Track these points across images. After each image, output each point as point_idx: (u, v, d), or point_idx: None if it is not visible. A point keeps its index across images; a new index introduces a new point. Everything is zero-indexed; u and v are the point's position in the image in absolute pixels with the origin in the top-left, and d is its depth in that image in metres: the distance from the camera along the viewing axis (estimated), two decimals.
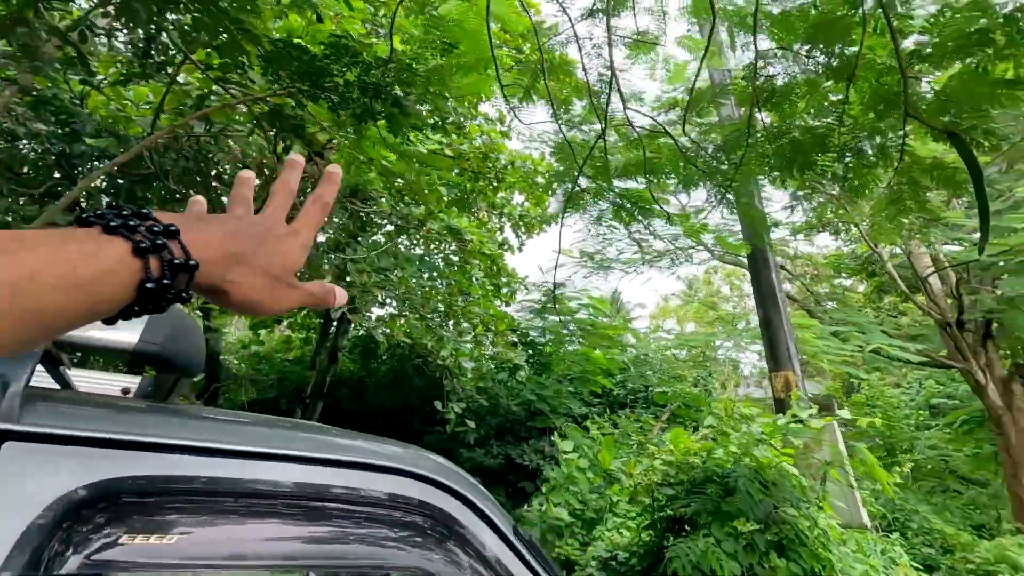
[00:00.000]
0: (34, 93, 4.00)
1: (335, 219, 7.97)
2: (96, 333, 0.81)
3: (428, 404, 7.61)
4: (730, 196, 3.38)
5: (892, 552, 4.70)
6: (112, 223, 0.43)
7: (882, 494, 5.75)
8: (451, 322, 8.18)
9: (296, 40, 3.30)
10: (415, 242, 8.64)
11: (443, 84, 3.67)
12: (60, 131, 4.06)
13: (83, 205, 6.06)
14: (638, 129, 3.48)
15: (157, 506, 0.71)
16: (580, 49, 3.22)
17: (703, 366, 11.47)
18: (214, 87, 3.78)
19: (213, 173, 6.31)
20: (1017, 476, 7.27)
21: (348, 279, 6.56)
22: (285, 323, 10.04)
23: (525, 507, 6.24)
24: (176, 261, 0.44)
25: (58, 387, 0.99)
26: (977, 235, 6.58)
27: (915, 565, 4.88)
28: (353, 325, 9.07)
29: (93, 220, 0.43)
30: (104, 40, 4.63)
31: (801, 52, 2.89)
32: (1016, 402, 7.52)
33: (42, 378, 0.95)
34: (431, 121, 5.13)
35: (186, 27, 2.95)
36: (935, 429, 10.19)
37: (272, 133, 5.15)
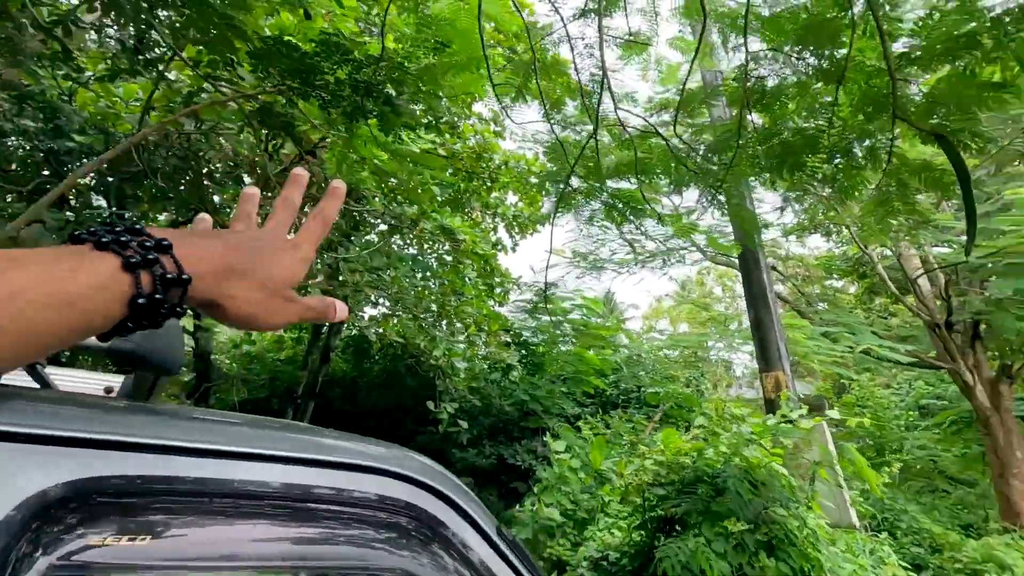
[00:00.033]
0: (22, 89, 3.96)
1: None
2: None
3: (421, 404, 7.59)
4: (721, 197, 3.39)
5: (881, 552, 4.73)
6: (103, 239, 0.42)
7: (872, 494, 5.79)
8: (444, 322, 8.17)
9: (287, 38, 3.28)
10: (408, 242, 8.62)
11: (435, 83, 3.66)
12: (46, 127, 4.02)
13: (72, 202, 6.00)
14: (630, 129, 3.48)
15: (133, 507, 0.70)
16: (572, 49, 3.22)
17: (695, 367, 11.52)
18: (204, 84, 3.75)
19: (204, 171, 6.27)
20: (1004, 476, 7.35)
21: (340, 278, 6.54)
22: None
23: (517, 507, 6.24)
24: (168, 275, 0.44)
25: (36, 386, 0.97)
26: (966, 237, 6.63)
27: (904, 564, 4.92)
28: (345, 325, 9.04)
29: (85, 237, 0.43)
30: (94, 36, 4.59)
31: (791, 54, 2.90)
32: (1003, 403, 7.60)
33: (20, 378, 0.93)
34: (424, 121, 5.12)
35: (176, 24, 2.93)
36: (924, 429, 10.28)
37: (264, 131, 5.13)
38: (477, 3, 3.18)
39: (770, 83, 3.10)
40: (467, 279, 8.36)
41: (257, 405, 9.74)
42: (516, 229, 9.37)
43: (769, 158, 3.02)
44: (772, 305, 5.22)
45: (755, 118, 3.30)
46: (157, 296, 0.43)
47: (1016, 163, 7.95)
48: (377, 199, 7.24)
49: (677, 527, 3.91)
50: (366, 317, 8.13)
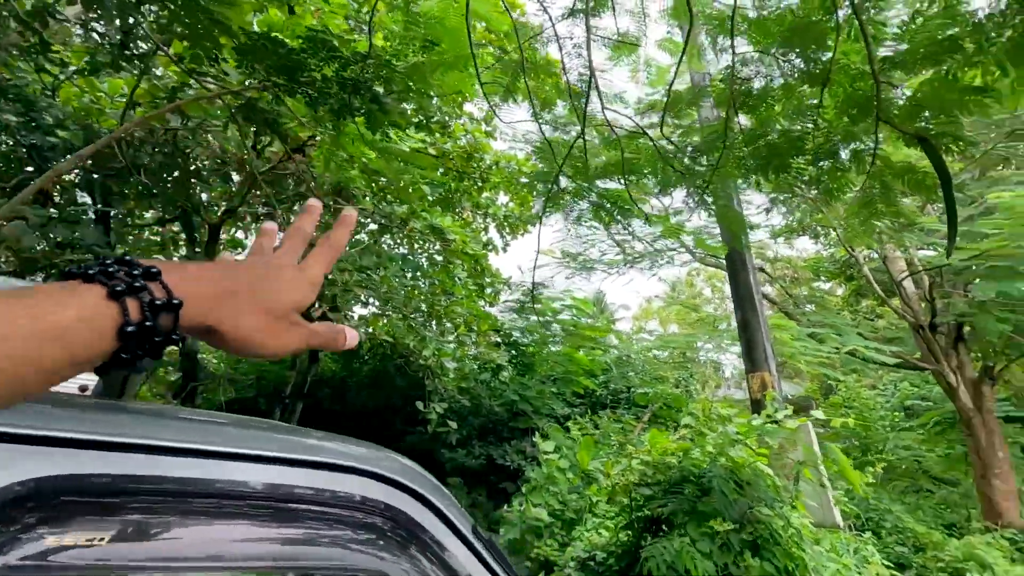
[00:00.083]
0: (1, 83, 3.89)
1: None
2: None
3: (410, 404, 7.56)
4: (708, 198, 3.41)
5: (864, 551, 4.77)
6: (90, 271, 0.41)
7: (857, 494, 5.85)
8: (434, 322, 8.15)
9: (274, 34, 3.25)
10: (399, 241, 8.59)
11: (424, 81, 3.65)
12: (25, 122, 3.95)
13: (56, 199, 5.92)
14: (617, 130, 3.49)
15: (99, 506, 0.68)
16: (560, 49, 3.22)
17: (684, 367, 11.58)
18: (189, 80, 3.71)
19: (192, 168, 6.20)
20: (986, 476, 7.45)
21: (329, 277, 6.50)
22: None
23: (505, 508, 6.23)
24: (157, 301, 0.42)
25: None
26: (947, 239, 6.72)
27: (887, 564, 4.96)
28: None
29: (74, 272, 0.42)
30: (80, 31, 4.53)
31: (777, 56, 2.92)
32: (985, 404, 7.70)
33: None
34: (415, 120, 5.11)
35: (161, 19, 2.89)
36: (909, 430, 10.40)
37: (252, 128, 5.09)
38: (466, 1, 3.17)
39: (756, 85, 3.12)
40: (457, 279, 8.35)
41: (245, 405, 9.65)
42: (507, 229, 9.37)
43: (755, 159, 3.04)
44: (759, 306, 5.25)
45: (743, 119, 3.32)
46: (147, 323, 0.41)
47: (999, 167, 8.08)
48: (367, 198, 7.20)
49: (664, 527, 3.92)
50: (355, 317, 8.09)
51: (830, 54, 2.80)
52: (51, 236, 5.07)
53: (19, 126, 4.19)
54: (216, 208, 7.18)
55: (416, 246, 8.52)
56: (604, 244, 8.42)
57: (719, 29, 3.15)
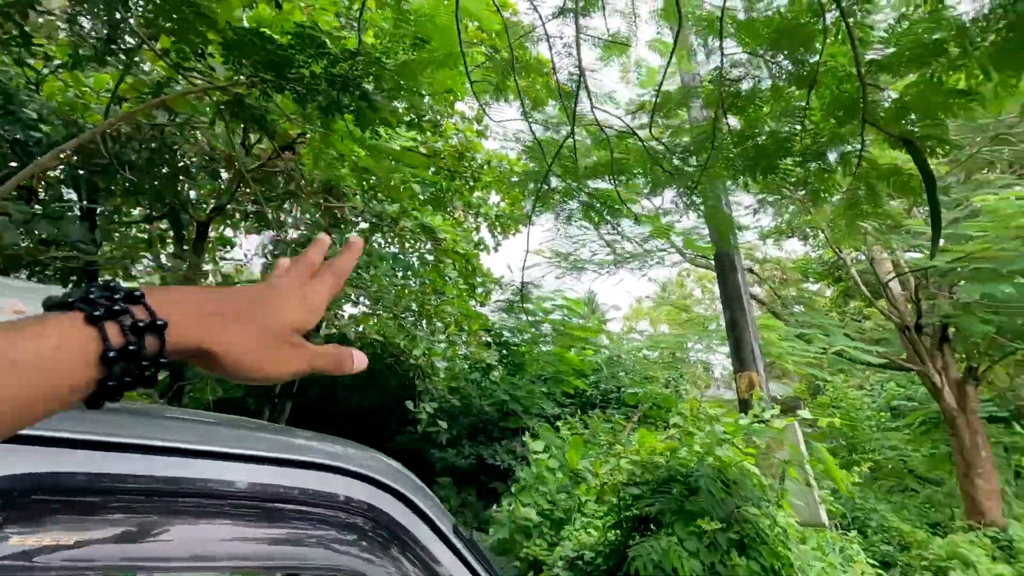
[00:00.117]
0: None
1: (307, 215, 7.85)
2: None
3: (400, 404, 7.53)
4: (696, 198, 3.43)
5: (850, 550, 4.82)
6: (69, 299, 0.39)
7: (844, 493, 5.90)
8: (424, 321, 8.12)
9: (263, 30, 3.22)
10: (390, 240, 8.55)
11: (413, 79, 3.63)
12: (4, 115, 3.89)
13: (40, 195, 5.83)
14: (607, 129, 3.50)
15: (79, 505, 0.67)
16: (551, 48, 3.22)
17: (674, 368, 11.63)
18: (176, 75, 3.66)
19: (180, 165, 6.13)
20: (969, 476, 7.54)
21: None
22: None
23: (495, 508, 6.22)
24: (139, 323, 0.40)
25: None
26: (931, 239, 6.81)
27: (872, 562, 5.01)
28: (324, 323, 8.94)
29: (56, 300, 0.40)
30: (65, 25, 4.46)
31: (766, 57, 2.94)
32: (969, 404, 7.81)
33: None
34: (407, 118, 5.08)
35: (148, 13, 2.86)
36: (895, 430, 10.52)
37: (240, 125, 5.04)
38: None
39: (745, 86, 3.14)
40: (448, 278, 8.33)
41: (234, 404, 9.55)
42: (498, 229, 9.36)
43: (743, 160, 3.06)
44: (747, 307, 5.29)
45: (732, 120, 3.34)
46: (131, 348, 0.39)
47: (984, 171, 8.19)
48: (357, 196, 7.17)
49: (652, 526, 3.93)
50: (346, 316, 8.05)
51: (817, 56, 2.83)
52: (35, 232, 4.99)
53: (0, 120, 4.12)
54: (205, 206, 7.11)
55: (407, 245, 8.49)
56: (595, 244, 8.45)
57: (708, 30, 3.17)
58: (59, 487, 0.67)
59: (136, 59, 4.46)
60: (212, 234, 7.59)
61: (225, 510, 0.80)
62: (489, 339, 9.01)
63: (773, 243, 10.88)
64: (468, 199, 8.57)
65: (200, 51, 2.81)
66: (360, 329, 7.85)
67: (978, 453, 7.57)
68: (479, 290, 9.16)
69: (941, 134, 2.86)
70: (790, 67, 3.01)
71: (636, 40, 3.86)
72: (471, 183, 8.07)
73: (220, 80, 3.38)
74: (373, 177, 6.35)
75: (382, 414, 9.24)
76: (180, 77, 3.60)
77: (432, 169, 7.14)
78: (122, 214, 7.03)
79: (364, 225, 8.01)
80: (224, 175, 6.74)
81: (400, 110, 4.74)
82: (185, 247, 6.83)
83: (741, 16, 3.16)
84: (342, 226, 7.81)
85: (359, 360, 0.58)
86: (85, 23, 3.74)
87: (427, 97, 5.47)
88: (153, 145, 5.31)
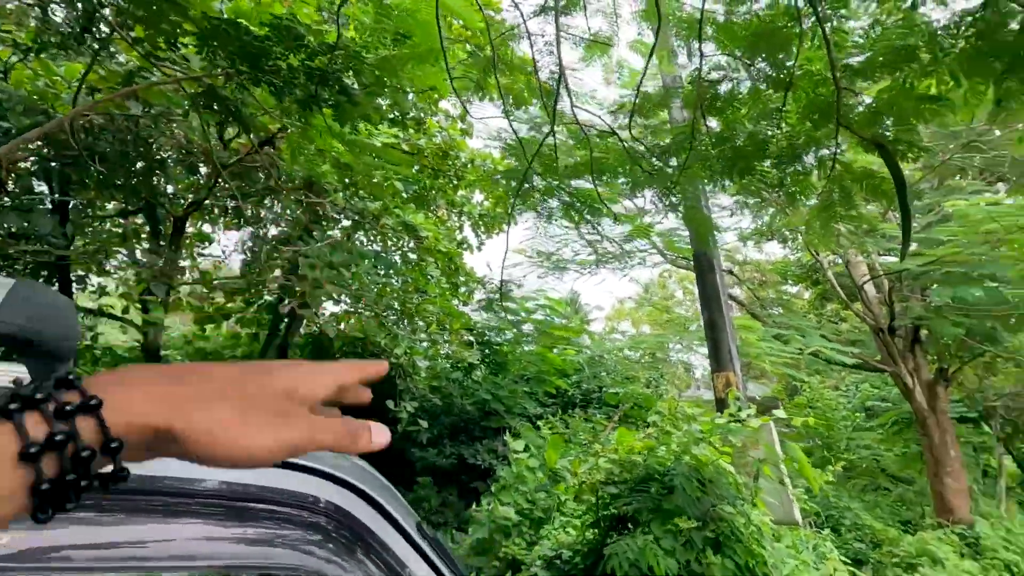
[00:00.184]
0: None
1: (287, 212, 7.74)
2: None
3: (381, 403, 7.47)
4: (675, 198, 3.45)
5: (823, 547, 4.90)
6: (9, 405, 0.33)
7: (819, 492, 6.00)
8: (406, 320, 8.07)
9: (240, 21, 3.16)
10: (372, 238, 8.48)
11: (394, 74, 3.60)
12: None
13: (9, 187, 5.65)
14: (588, 129, 3.51)
15: None
16: (532, 46, 3.22)
17: (655, 368, 11.73)
18: (150, 65, 3.58)
19: (156, 158, 6.00)
20: (938, 475, 7.73)
21: (299, 273, 6.39)
22: (234, 319, 9.68)
23: (475, 507, 6.20)
24: (67, 407, 0.33)
25: None
26: (912, 246, 6.97)
27: (845, 560, 5.10)
28: (305, 322, 8.82)
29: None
30: (37, 11, 4.33)
31: (744, 59, 2.97)
32: (939, 404, 8.00)
33: None
34: (391, 115, 5.03)
35: (121, 1, 2.79)
36: (868, 430, 10.75)
37: (219, 117, 4.94)
38: None
39: (724, 88, 3.17)
40: (430, 277, 8.29)
41: None
42: (482, 228, 9.34)
43: (721, 161, 3.09)
44: (725, 307, 5.35)
45: (711, 122, 3.37)
46: (58, 438, 0.32)
47: (956, 176, 8.40)
48: (339, 193, 7.09)
49: (629, 525, 3.95)
50: (327, 314, 7.97)
51: (793, 60, 2.87)
52: (4, 225, 4.84)
53: None
54: (182, 200, 6.97)
55: (389, 243, 8.43)
56: (577, 244, 8.48)
57: (688, 32, 3.19)
58: None
59: (111, 49, 4.35)
60: (190, 229, 7.44)
61: (193, 508, 0.79)
62: (471, 338, 8.99)
63: (753, 245, 11.04)
64: (452, 198, 8.54)
65: (173, 41, 2.74)
66: (341, 327, 7.77)
67: (947, 452, 7.76)
68: (462, 289, 9.14)
69: (913, 138, 2.92)
70: (768, 70, 3.05)
71: (618, 40, 3.88)
72: (455, 182, 8.04)
73: (195, 71, 3.31)
74: (359, 176, 6.29)
75: (362, 413, 9.14)
76: (153, 67, 3.52)
77: (416, 167, 7.10)
78: (96, 208, 6.85)
79: (346, 222, 7.94)
80: (203, 169, 6.61)
81: (384, 107, 4.69)
82: (161, 243, 6.68)
83: (721, 19, 3.19)
84: (323, 223, 7.72)
85: (379, 435, 0.47)
86: (59, 11, 3.64)
87: (411, 94, 5.43)
88: (128, 137, 5.18)
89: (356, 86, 3.43)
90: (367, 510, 0.99)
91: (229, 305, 7.90)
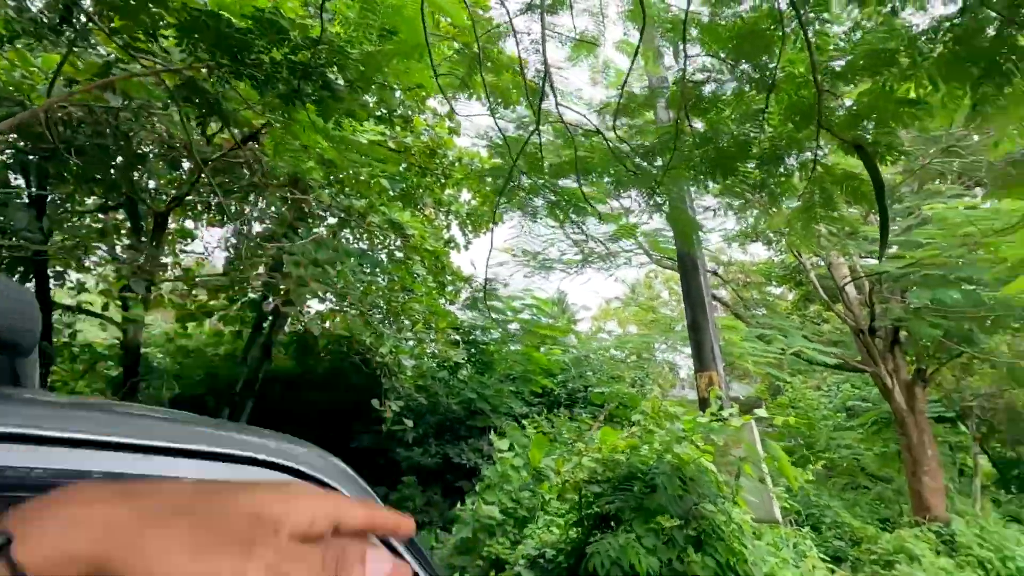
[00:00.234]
0: None
1: (271, 208, 7.65)
2: None
3: (366, 402, 7.41)
4: (660, 198, 3.47)
5: (803, 545, 4.96)
6: None
7: (800, 490, 6.08)
8: (391, 319, 8.02)
9: (221, 12, 3.11)
10: (358, 236, 8.41)
11: (379, 70, 3.56)
12: None
13: None
14: (574, 128, 3.51)
15: (2, 500, 0.62)
16: (518, 44, 3.21)
17: (641, 368, 11.79)
18: (128, 56, 3.51)
19: (137, 152, 5.89)
20: (916, 473, 7.87)
21: (284, 270, 6.32)
22: (217, 317, 9.55)
23: (459, 506, 6.19)
24: None
25: None
26: (892, 248, 7.08)
27: (824, 557, 5.17)
28: (289, 320, 8.73)
29: None
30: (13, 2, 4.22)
31: (728, 61, 2.99)
32: (918, 404, 8.14)
33: None
34: (377, 112, 4.98)
35: None
36: (849, 429, 10.91)
37: (200, 111, 4.86)
38: None
39: (708, 89, 3.19)
40: (416, 276, 8.24)
41: (192, 402, 9.26)
42: (469, 227, 9.31)
43: (704, 162, 3.11)
44: (708, 308, 5.39)
45: (695, 122, 3.39)
46: None
47: (936, 181, 8.55)
48: (324, 190, 7.02)
49: (612, 523, 3.97)
50: (312, 311, 7.89)
51: (776, 62, 2.89)
52: None
53: None
54: (164, 196, 6.85)
55: (375, 241, 8.36)
56: (563, 244, 8.50)
57: (673, 32, 3.21)
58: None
59: (91, 40, 4.26)
60: (172, 225, 7.32)
61: None
62: (457, 337, 8.96)
63: (738, 247, 11.15)
64: (439, 196, 8.50)
65: (151, 31, 2.69)
66: (326, 326, 7.70)
67: (925, 452, 7.90)
68: (448, 288, 9.10)
69: (892, 141, 2.97)
70: (751, 72, 3.07)
71: (604, 40, 3.88)
72: (442, 180, 8.00)
73: (176, 63, 3.25)
74: (342, 173, 6.23)
75: (347, 412, 9.09)
76: (132, 59, 3.45)
77: (403, 165, 7.05)
78: (75, 202, 6.71)
79: (331, 220, 7.87)
80: (186, 164, 6.50)
81: (371, 104, 4.64)
82: (142, 239, 6.56)
83: (706, 20, 3.21)
84: (308, 220, 7.64)
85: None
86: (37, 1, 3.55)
87: (399, 92, 5.39)
88: (107, 130, 5.08)
89: (340, 81, 3.40)
90: None
91: (212, 303, 7.79)
